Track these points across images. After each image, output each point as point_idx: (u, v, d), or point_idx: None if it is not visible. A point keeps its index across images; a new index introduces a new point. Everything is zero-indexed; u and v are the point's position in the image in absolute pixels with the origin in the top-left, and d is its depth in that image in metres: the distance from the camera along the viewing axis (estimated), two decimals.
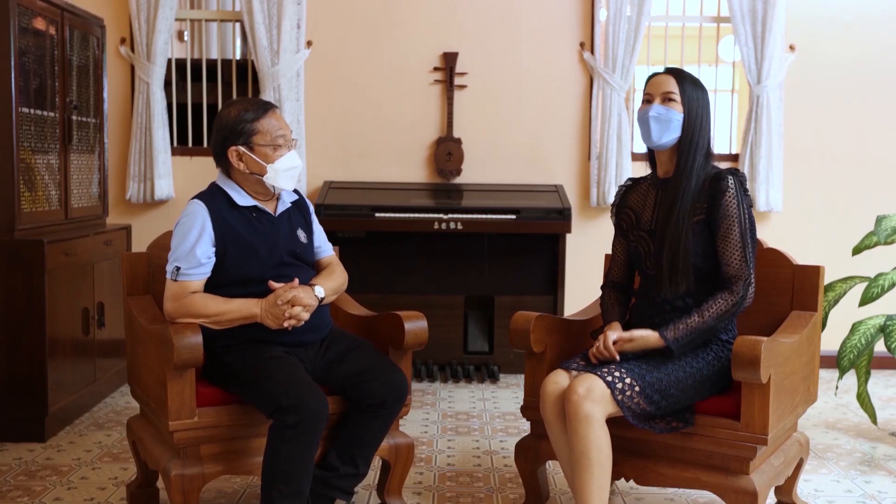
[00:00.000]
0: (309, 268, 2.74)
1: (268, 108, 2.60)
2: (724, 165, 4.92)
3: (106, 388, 4.19)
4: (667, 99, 2.58)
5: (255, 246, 2.59)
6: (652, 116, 2.58)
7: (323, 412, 2.40)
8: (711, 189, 2.53)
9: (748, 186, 4.83)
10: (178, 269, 2.52)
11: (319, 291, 2.59)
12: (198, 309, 2.50)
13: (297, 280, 2.57)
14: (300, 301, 2.50)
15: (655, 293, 2.60)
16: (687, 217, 2.53)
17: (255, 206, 2.64)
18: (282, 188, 2.63)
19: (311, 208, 2.84)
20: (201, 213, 2.55)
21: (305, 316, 2.52)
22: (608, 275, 2.83)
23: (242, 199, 2.62)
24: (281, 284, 2.54)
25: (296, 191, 2.78)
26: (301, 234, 2.72)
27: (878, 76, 4.94)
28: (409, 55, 4.93)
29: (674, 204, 2.55)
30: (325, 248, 2.85)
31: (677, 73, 2.61)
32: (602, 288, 2.82)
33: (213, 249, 2.55)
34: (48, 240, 3.55)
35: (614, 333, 2.53)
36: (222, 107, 2.64)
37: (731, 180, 2.52)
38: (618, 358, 2.50)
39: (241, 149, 2.57)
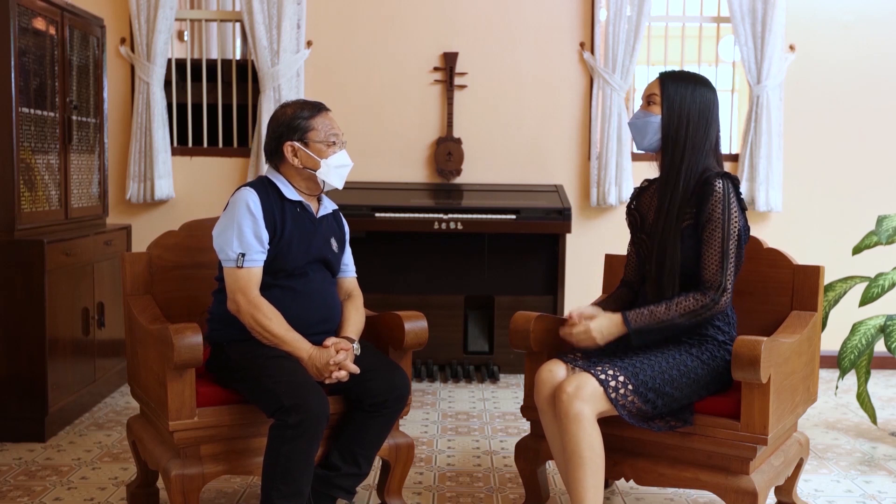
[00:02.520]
0: (332, 278, 2.78)
1: (322, 108, 2.72)
2: (723, 165, 4.96)
3: (106, 388, 4.19)
4: (649, 102, 2.58)
5: (295, 240, 2.63)
6: (630, 123, 2.61)
7: (324, 412, 2.40)
8: (700, 193, 2.50)
9: (749, 187, 4.85)
10: (243, 255, 2.55)
11: (357, 349, 2.64)
12: (263, 319, 2.53)
13: (352, 346, 2.60)
14: (348, 368, 2.54)
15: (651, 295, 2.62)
16: (674, 222, 2.52)
17: (300, 202, 2.69)
18: (332, 185, 2.69)
19: (347, 227, 2.89)
20: (254, 199, 2.59)
21: (345, 379, 2.55)
22: (624, 273, 2.82)
23: (290, 193, 2.68)
24: (335, 341, 2.58)
25: (335, 210, 2.85)
26: (334, 243, 2.77)
27: (879, 76, 4.94)
28: (409, 55, 4.93)
29: (661, 209, 2.55)
30: (350, 267, 2.89)
31: (665, 75, 2.59)
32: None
33: (268, 234, 2.59)
34: (48, 240, 3.55)
35: (583, 309, 2.55)
36: (278, 107, 2.75)
37: (719, 184, 2.47)
38: (574, 320, 2.53)
39: (297, 144, 2.65)
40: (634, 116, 2.60)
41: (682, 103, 2.54)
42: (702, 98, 2.55)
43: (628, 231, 2.77)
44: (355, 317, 2.76)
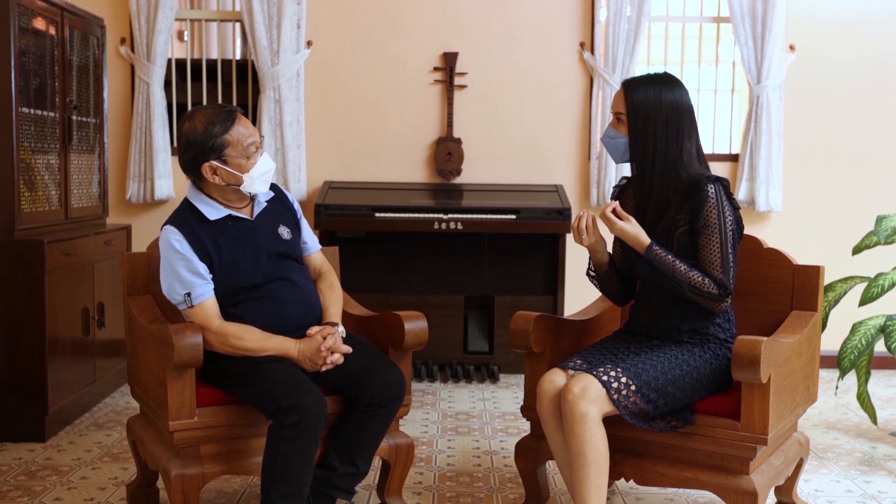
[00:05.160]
0: (298, 264, 2.73)
1: (233, 115, 2.54)
2: (723, 165, 4.96)
3: (106, 388, 4.19)
4: (618, 119, 2.56)
5: (237, 257, 2.57)
6: (602, 140, 2.59)
7: (322, 412, 2.40)
8: (692, 200, 2.49)
9: (749, 187, 4.85)
10: (188, 295, 2.51)
11: (342, 331, 2.63)
12: (237, 342, 2.50)
13: (337, 329, 2.60)
14: (339, 349, 2.54)
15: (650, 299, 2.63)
16: (665, 235, 2.51)
17: (228, 216, 2.60)
18: (258, 192, 2.62)
19: (294, 202, 2.81)
20: (176, 237, 2.52)
21: (341, 361, 2.56)
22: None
23: (215, 212, 2.58)
24: (317, 329, 2.57)
25: (273, 186, 2.75)
26: (283, 231, 2.69)
27: (879, 76, 4.94)
28: (409, 55, 4.93)
29: (642, 223, 2.53)
30: (311, 243, 2.82)
31: (628, 85, 2.54)
32: None
33: (204, 264, 2.54)
34: (48, 240, 3.55)
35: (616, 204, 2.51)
36: (186, 120, 2.55)
37: (710, 189, 2.46)
38: (616, 208, 2.49)
39: (215, 163, 2.52)
40: (606, 134, 2.56)
41: (646, 115, 2.49)
42: (670, 106, 2.50)
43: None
44: (332, 298, 2.72)
